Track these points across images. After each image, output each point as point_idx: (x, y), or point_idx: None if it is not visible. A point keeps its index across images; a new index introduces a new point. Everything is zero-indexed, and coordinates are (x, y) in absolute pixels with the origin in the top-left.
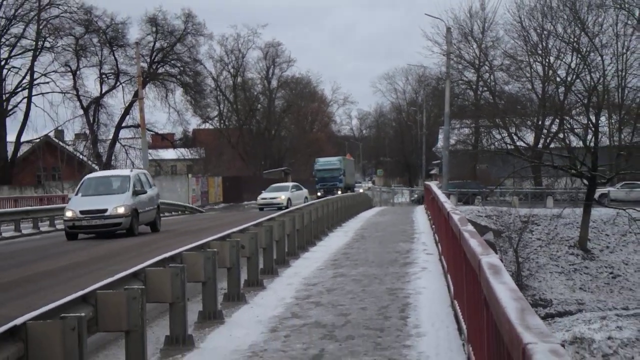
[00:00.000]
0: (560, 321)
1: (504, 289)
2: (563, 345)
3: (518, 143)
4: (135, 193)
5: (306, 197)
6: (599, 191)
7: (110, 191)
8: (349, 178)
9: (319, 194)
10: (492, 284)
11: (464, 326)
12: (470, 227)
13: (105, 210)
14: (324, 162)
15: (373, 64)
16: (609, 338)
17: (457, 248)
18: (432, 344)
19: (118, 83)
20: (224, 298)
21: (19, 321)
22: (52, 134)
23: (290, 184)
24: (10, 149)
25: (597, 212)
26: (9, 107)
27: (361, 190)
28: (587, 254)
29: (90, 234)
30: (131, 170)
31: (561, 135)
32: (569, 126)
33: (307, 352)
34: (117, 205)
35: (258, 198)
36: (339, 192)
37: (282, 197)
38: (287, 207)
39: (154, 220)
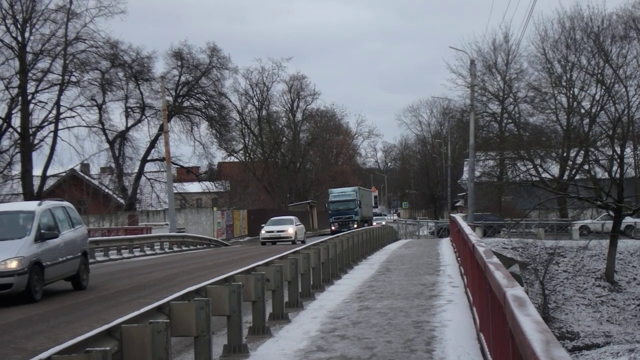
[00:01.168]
0: (588, 354)
1: (529, 321)
2: None
3: (543, 175)
4: (41, 237)
5: (304, 232)
6: (625, 223)
7: (1, 235)
8: (365, 210)
9: (332, 227)
10: (517, 316)
11: (489, 359)
12: (495, 259)
13: None
14: (338, 192)
15: (398, 96)
16: None
17: (483, 280)
18: None
19: (143, 117)
20: (249, 331)
21: (44, 355)
22: (77, 168)
23: (292, 217)
24: (36, 182)
25: (623, 244)
26: (35, 141)
27: (383, 223)
28: (614, 286)
29: None
30: (39, 204)
31: (586, 167)
32: (594, 157)
33: None
34: (6, 257)
35: (262, 232)
36: (355, 226)
37: (289, 230)
38: (294, 242)
39: (77, 274)
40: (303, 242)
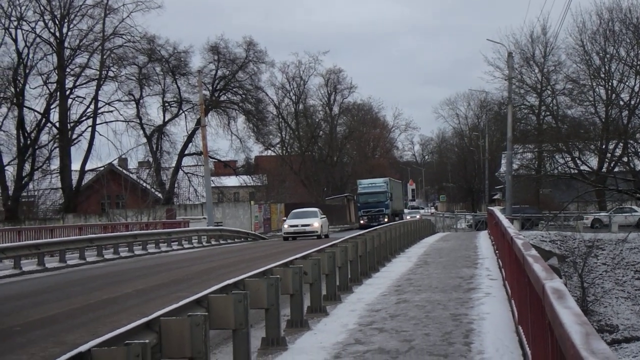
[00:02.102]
0: (627, 347)
1: (568, 314)
2: None
3: (581, 167)
4: None
5: (328, 225)
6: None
7: None
8: (396, 203)
9: (361, 221)
10: (556, 309)
11: (528, 351)
12: (533, 251)
13: None
14: (367, 184)
15: (435, 90)
16: None
17: (521, 273)
18: None
19: (180, 111)
20: (287, 324)
21: (84, 348)
22: (115, 162)
23: (315, 209)
24: (75, 177)
25: None
26: (74, 136)
27: (417, 217)
28: None
29: None
30: None
31: (625, 159)
32: (633, 150)
33: None
34: None
35: (284, 226)
36: (385, 220)
37: (315, 224)
38: (319, 236)
39: None
40: (327, 236)
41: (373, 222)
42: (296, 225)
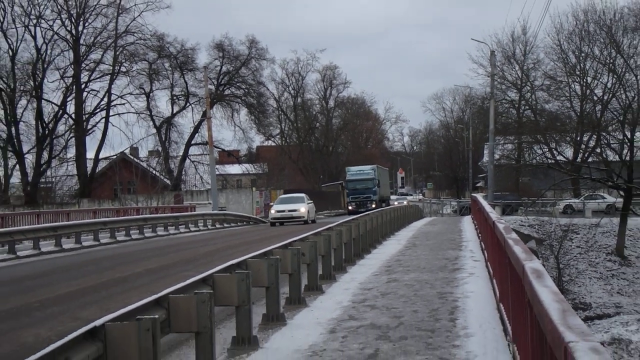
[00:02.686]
0: (599, 323)
1: (546, 292)
2: (603, 344)
3: (558, 157)
4: None
5: (315, 211)
6: (606, 202)
7: None
8: (383, 189)
9: (350, 207)
10: (535, 287)
11: (509, 327)
12: (514, 235)
13: None
14: (356, 171)
15: (423, 84)
16: None
17: (502, 255)
18: (480, 344)
19: (188, 104)
20: (286, 302)
21: (98, 322)
22: (127, 151)
23: (302, 194)
24: (89, 165)
25: (633, 222)
26: (88, 127)
27: (404, 203)
28: (624, 261)
29: None
30: None
31: (598, 150)
32: (605, 141)
33: (363, 351)
34: None
35: (271, 211)
36: (373, 206)
37: (301, 209)
38: (306, 221)
39: None
40: (314, 221)
41: (361, 207)
42: (283, 211)
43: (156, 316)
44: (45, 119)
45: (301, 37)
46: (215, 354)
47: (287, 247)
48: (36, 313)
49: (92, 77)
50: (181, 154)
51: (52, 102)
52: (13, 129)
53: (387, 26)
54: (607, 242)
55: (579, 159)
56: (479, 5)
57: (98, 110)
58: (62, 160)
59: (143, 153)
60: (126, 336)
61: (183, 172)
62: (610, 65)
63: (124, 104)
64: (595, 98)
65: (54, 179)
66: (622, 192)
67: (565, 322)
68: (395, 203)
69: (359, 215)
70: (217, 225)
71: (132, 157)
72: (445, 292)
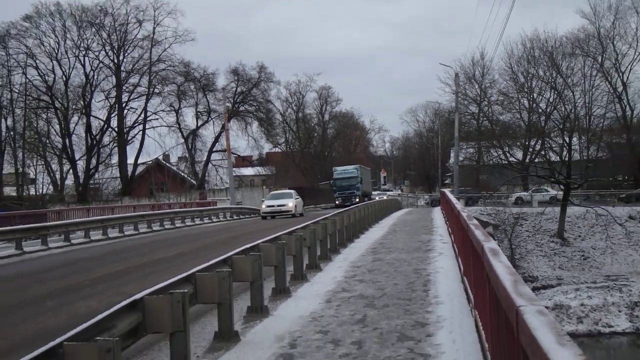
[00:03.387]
0: (544, 292)
1: (501, 267)
2: (547, 308)
3: (510, 159)
4: None
5: (303, 205)
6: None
7: None
8: (365, 186)
9: (337, 202)
10: (492, 263)
11: (471, 296)
12: (475, 221)
13: None
14: (341, 170)
15: (400, 101)
16: (582, 305)
17: (465, 237)
18: (448, 310)
19: (209, 118)
20: (290, 278)
21: (138, 296)
22: (160, 157)
23: (291, 191)
24: (129, 169)
25: (571, 210)
26: (129, 138)
27: (384, 197)
28: (564, 242)
29: None
30: None
31: (543, 153)
32: (548, 145)
33: (353, 317)
34: None
35: (263, 205)
36: (357, 200)
37: (289, 204)
38: (294, 215)
39: None
40: (302, 214)
41: (347, 201)
42: (272, 206)
43: (185, 290)
44: (93, 132)
45: (301, 62)
46: (234, 321)
47: (291, 234)
48: (88, 289)
49: (131, 98)
50: (204, 159)
51: (99, 118)
52: (67, 140)
53: (372, 53)
54: (550, 227)
55: (527, 160)
56: (446, 36)
57: (136, 124)
58: (107, 166)
59: (173, 159)
60: (161, 307)
61: (206, 174)
62: (552, 83)
63: (157, 119)
64: (540, 110)
65: (100, 181)
66: (562, 187)
67: (516, 290)
68: (377, 197)
69: (347, 207)
70: (235, 217)
71: (164, 162)
72: (420, 268)
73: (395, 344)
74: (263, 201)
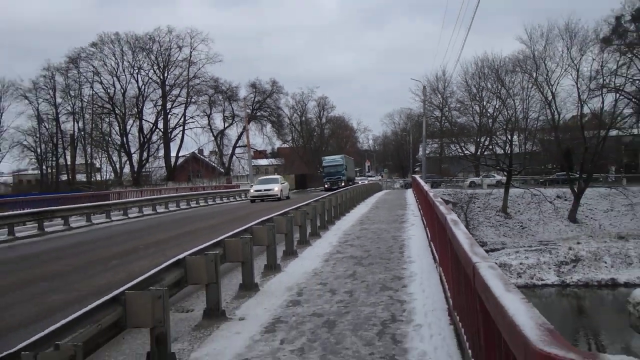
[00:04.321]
0: (492, 254)
1: (460, 233)
2: (496, 264)
3: (466, 152)
4: None
5: (289, 189)
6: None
7: None
8: (349, 172)
9: (325, 185)
10: (453, 230)
11: (436, 256)
12: (439, 199)
13: None
14: (329, 159)
15: (381, 107)
16: (521, 264)
17: (432, 211)
18: (418, 266)
19: (233, 121)
20: (297, 243)
21: (180, 256)
22: (196, 151)
23: (277, 176)
24: (172, 160)
25: (512, 191)
26: (171, 136)
27: (366, 182)
28: (507, 215)
29: None
30: None
31: (490, 147)
32: (495, 141)
33: (346, 272)
34: None
35: (251, 190)
36: (342, 184)
37: (275, 189)
38: (279, 198)
39: None
40: (288, 197)
41: (334, 185)
42: (260, 190)
43: (217, 252)
44: (144, 132)
45: (304, 77)
46: (254, 275)
47: (298, 209)
48: (141, 252)
49: (173, 105)
50: (230, 152)
51: (148, 121)
52: (124, 138)
53: (358, 71)
54: (496, 204)
55: (478, 152)
56: (416, 57)
57: (177, 126)
58: (155, 158)
59: (206, 152)
60: (199, 265)
61: (231, 164)
62: (498, 93)
63: (193, 121)
64: (488, 114)
65: (150, 169)
66: (505, 173)
67: (472, 251)
68: (359, 182)
69: (335, 190)
70: None
71: (199, 155)
72: (397, 235)
73: (378, 292)
74: (251, 186)
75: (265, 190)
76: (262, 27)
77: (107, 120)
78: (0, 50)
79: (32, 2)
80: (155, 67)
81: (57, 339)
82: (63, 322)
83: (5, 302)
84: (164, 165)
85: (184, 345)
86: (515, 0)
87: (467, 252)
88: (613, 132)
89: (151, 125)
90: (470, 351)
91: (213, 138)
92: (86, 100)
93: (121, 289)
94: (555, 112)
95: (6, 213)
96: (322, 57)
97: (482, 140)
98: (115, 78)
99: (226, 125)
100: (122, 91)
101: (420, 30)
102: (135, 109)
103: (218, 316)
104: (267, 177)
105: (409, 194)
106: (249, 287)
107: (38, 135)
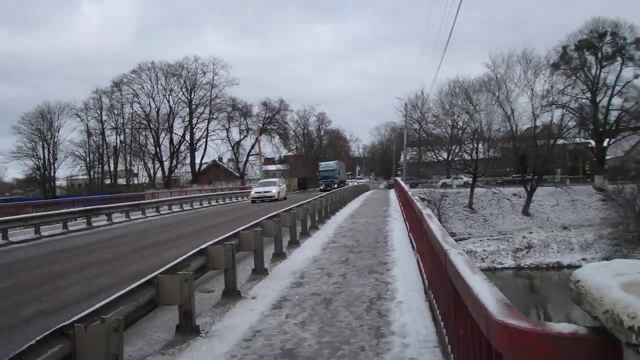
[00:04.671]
0: (460, 243)
1: (434, 225)
2: (464, 251)
3: (440, 158)
4: None
5: (286, 191)
6: (463, 181)
7: None
8: (342, 175)
9: (321, 187)
10: (428, 223)
11: (415, 245)
12: (417, 197)
13: None
14: (324, 165)
15: (370, 121)
16: (484, 250)
17: (411, 207)
18: (399, 253)
19: (247, 134)
20: (299, 234)
21: (203, 246)
22: (217, 159)
23: (276, 179)
24: (197, 166)
25: (477, 190)
26: (196, 147)
27: (355, 184)
28: (472, 210)
29: None
30: None
31: (460, 154)
32: (464, 149)
33: (340, 259)
34: None
35: (252, 192)
36: (335, 186)
37: (273, 190)
38: (277, 199)
39: None
40: (284, 198)
41: (328, 187)
42: (260, 192)
43: (233, 242)
44: (174, 143)
45: (307, 97)
46: (264, 262)
47: (300, 206)
48: (172, 243)
49: (198, 121)
50: (244, 160)
51: (177, 134)
52: (157, 148)
53: (352, 91)
54: (464, 201)
55: (449, 158)
56: (400, 80)
57: (201, 138)
58: (183, 164)
59: (225, 159)
60: (218, 252)
61: (245, 170)
62: (466, 109)
63: (214, 134)
64: (458, 127)
65: (178, 174)
66: (471, 175)
67: (444, 240)
68: (350, 184)
69: (329, 191)
70: None
71: (219, 162)
72: (382, 228)
73: (367, 275)
74: (252, 187)
75: (264, 192)
76: (272, 55)
77: (143, 133)
78: (60, 78)
79: (87, 37)
80: (184, 90)
81: (103, 313)
82: (108, 299)
83: (62, 284)
84: (190, 170)
85: (207, 319)
86: (482, 33)
87: (440, 241)
88: (560, 141)
89: (180, 137)
90: (442, 322)
91: (230, 148)
92: (127, 118)
93: (154, 273)
94: (514, 125)
95: (61, 210)
96: (321, 79)
97: (453, 148)
98: (150, 99)
99: (241, 137)
100: (157, 109)
101: (403, 57)
102: (167, 124)
103: (234, 296)
104: (267, 180)
105: (392, 193)
106: (259, 272)
107: (87, 146)
